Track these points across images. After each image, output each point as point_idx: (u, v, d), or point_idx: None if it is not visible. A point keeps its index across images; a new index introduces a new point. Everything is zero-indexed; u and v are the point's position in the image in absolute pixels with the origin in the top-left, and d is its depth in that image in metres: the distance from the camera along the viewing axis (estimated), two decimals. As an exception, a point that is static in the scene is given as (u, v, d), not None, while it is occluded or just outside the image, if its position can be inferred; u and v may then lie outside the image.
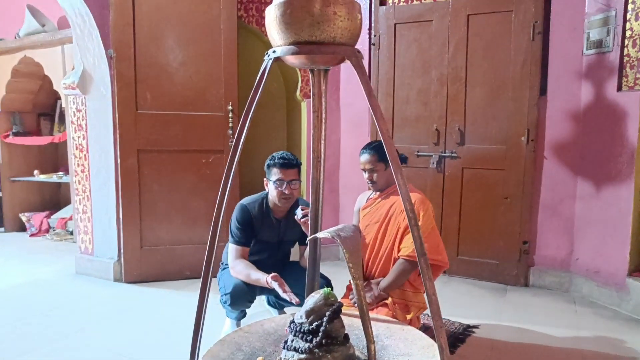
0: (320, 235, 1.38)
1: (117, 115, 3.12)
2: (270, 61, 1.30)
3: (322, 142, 1.57)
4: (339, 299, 2.20)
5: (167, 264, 3.28)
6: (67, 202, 4.98)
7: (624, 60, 2.79)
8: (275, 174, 2.16)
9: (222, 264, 2.40)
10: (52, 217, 4.78)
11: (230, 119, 3.27)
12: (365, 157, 2.24)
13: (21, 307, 2.82)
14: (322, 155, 1.58)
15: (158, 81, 3.17)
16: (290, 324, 1.36)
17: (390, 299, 2.16)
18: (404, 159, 2.35)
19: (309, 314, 1.32)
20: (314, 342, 1.28)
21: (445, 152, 3.41)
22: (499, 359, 2.25)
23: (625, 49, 2.78)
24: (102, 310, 2.80)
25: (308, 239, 1.47)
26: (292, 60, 1.30)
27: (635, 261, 2.84)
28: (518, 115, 3.17)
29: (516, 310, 2.84)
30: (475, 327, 2.58)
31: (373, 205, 2.32)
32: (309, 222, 1.62)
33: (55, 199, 5.22)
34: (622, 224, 2.82)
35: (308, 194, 2.98)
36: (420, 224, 2.12)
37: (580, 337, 2.48)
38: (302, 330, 1.32)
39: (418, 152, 3.49)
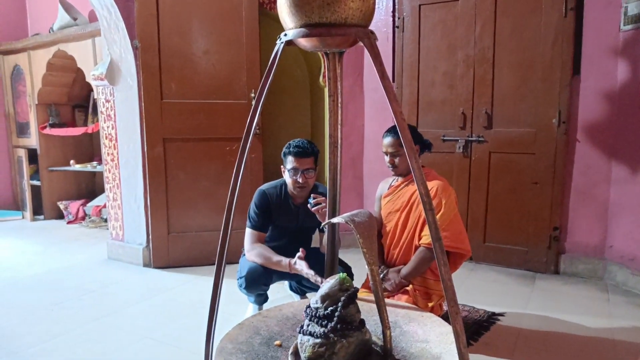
0: (334, 220, 1.37)
1: (143, 104, 3.19)
2: (282, 45, 1.29)
3: (339, 127, 1.56)
4: (360, 286, 2.22)
5: (193, 250, 3.36)
6: (101, 190, 5.16)
7: (665, 35, 2.63)
8: (290, 162, 2.16)
9: (243, 249, 2.43)
10: (87, 205, 4.97)
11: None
12: (388, 140, 2.20)
13: (57, 291, 2.96)
14: (339, 141, 1.56)
15: (182, 70, 3.22)
16: (307, 308, 1.37)
17: (410, 286, 2.14)
18: (428, 145, 2.29)
19: (324, 299, 1.32)
20: (328, 327, 1.28)
21: (472, 137, 3.32)
22: (525, 346, 2.19)
23: (667, 23, 2.61)
24: (131, 294, 2.90)
25: (322, 224, 1.47)
26: (304, 43, 1.28)
27: (674, 248, 2.70)
28: (549, 97, 3.04)
29: (545, 299, 2.76)
30: (501, 314, 2.52)
31: (395, 193, 2.29)
32: (324, 210, 1.61)
33: (90, 187, 5.43)
34: (660, 209, 2.69)
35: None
36: (442, 211, 2.09)
37: (612, 327, 2.38)
38: (317, 315, 1.32)
39: (444, 136, 3.41)
